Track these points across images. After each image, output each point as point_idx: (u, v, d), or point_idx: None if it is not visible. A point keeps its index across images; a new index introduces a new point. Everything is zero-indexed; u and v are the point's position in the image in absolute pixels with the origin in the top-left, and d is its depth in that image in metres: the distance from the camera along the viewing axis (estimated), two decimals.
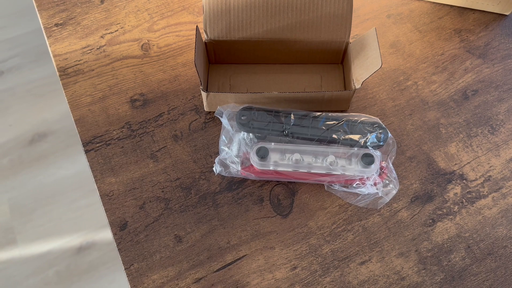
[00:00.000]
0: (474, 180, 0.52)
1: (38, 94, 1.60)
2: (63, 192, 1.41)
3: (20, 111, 1.57)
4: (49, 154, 1.48)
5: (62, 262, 1.27)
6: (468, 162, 0.53)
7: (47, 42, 0.60)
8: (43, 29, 0.61)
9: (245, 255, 0.48)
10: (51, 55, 0.59)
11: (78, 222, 1.34)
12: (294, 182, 0.52)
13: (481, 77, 0.59)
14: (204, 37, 0.54)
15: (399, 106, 0.56)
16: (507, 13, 0.63)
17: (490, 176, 0.52)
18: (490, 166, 0.53)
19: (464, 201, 0.51)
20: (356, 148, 0.49)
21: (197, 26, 0.50)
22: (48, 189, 1.42)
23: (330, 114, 0.51)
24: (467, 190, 0.51)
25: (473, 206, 0.50)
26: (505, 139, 0.54)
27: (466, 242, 0.49)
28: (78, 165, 1.45)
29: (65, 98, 0.57)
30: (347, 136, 0.50)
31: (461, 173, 0.52)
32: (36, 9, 0.63)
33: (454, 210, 0.50)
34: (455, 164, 0.53)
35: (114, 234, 0.48)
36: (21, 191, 1.42)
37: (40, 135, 1.51)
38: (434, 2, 0.65)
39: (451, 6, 0.64)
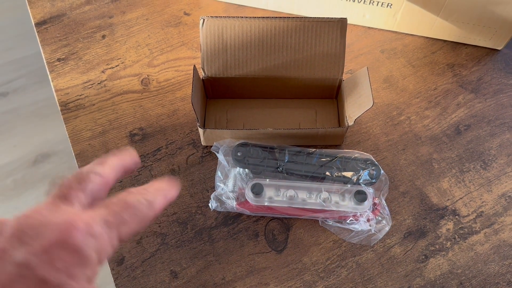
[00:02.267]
0: (466, 216, 0.53)
1: (42, 115, 1.62)
2: None
3: (24, 132, 1.59)
4: (51, 175, 1.50)
5: None
6: (461, 198, 0.54)
7: (50, 77, 0.62)
8: (45, 63, 0.63)
9: None
10: (53, 89, 0.61)
11: None
12: (289, 217, 0.52)
13: (474, 112, 0.60)
14: (201, 74, 0.56)
15: (392, 141, 0.57)
16: (499, 48, 0.65)
17: (482, 211, 0.53)
18: (483, 202, 0.54)
19: (457, 237, 0.51)
20: (349, 185, 0.50)
21: (194, 65, 0.52)
22: None
23: (323, 150, 0.53)
24: (460, 226, 0.52)
25: (465, 242, 0.51)
26: (497, 174, 0.55)
27: (458, 279, 0.49)
28: None
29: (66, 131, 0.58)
30: (340, 173, 0.51)
31: (453, 208, 0.53)
32: (39, 44, 0.65)
33: (447, 246, 0.51)
34: (448, 199, 0.54)
35: (112, 269, 0.49)
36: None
37: (43, 156, 1.53)
38: (427, 37, 0.66)
39: (444, 41, 0.66)
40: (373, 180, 0.51)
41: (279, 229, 0.52)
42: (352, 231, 0.51)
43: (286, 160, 0.52)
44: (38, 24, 0.67)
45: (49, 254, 0.23)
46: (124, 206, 0.26)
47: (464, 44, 0.66)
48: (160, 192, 0.29)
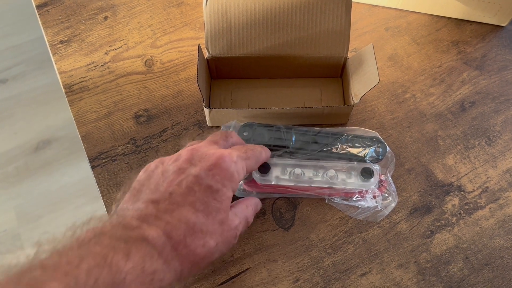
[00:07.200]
0: (471, 192, 0.53)
1: (42, 102, 1.61)
2: (68, 199, 1.43)
3: (25, 118, 1.59)
4: (53, 161, 1.50)
5: None
6: (466, 174, 0.54)
7: (53, 60, 0.62)
8: (48, 46, 0.63)
9: (249, 268, 0.49)
10: (57, 72, 0.61)
11: None
12: (296, 196, 0.53)
13: (478, 89, 0.60)
14: (205, 54, 0.56)
15: (397, 119, 0.58)
16: (503, 25, 0.64)
17: (487, 187, 0.53)
18: (487, 178, 0.54)
19: (462, 212, 0.52)
20: (355, 163, 0.51)
21: (199, 45, 0.51)
22: (54, 195, 1.43)
23: (329, 129, 0.53)
24: (465, 202, 0.52)
25: (470, 217, 0.52)
26: (501, 150, 0.56)
27: (464, 253, 0.50)
28: (82, 171, 1.47)
29: (70, 111, 0.58)
30: (346, 151, 0.51)
31: (459, 184, 0.53)
32: (41, 26, 0.65)
33: (452, 221, 0.51)
34: (453, 175, 0.54)
35: None
36: (27, 198, 1.43)
37: (44, 142, 1.53)
38: (431, 15, 0.66)
39: (449, 18, 0.66)
40: (379, 157, 0.51)
41: (286, 207, 0.52)
42: (358, 208, 0.51)
43: (292, 139, 0.52)
44: (39, 7, 0.66)
45: (211, 171, 0.38)
46: (247, 149, 0.44)
47: (468, 21, 0.65)
48: (258, 153, 0.46)
